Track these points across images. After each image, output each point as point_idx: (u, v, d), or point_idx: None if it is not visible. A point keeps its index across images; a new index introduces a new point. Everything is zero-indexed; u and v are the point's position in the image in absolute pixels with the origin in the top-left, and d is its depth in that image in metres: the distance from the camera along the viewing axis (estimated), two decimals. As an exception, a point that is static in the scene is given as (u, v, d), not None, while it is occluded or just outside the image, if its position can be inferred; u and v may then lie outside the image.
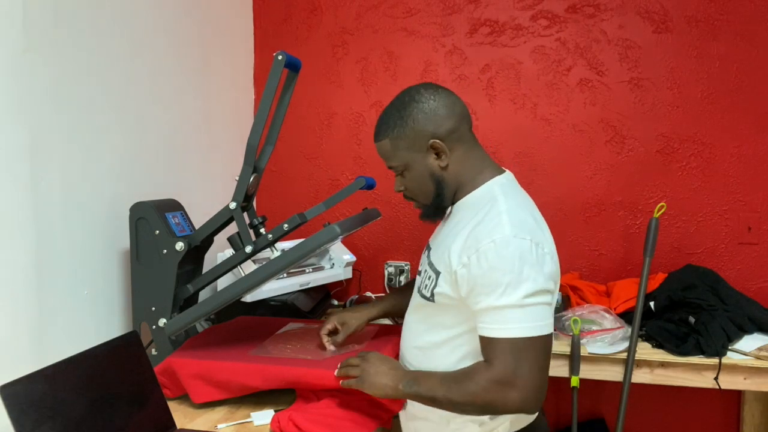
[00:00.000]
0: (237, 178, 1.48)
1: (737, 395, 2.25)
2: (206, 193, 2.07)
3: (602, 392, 2.32)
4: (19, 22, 1.28)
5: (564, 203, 2.29)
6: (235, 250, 1.53)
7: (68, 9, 1.43)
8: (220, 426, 1.33)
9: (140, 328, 1.53)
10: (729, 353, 1.79)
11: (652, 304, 1.96)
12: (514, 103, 2.31)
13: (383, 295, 2.34)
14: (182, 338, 1.58)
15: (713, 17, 2.16)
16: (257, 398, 1.44)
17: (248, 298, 1.89)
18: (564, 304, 2.04)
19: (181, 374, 1.41)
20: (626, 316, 1.96)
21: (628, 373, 1.82)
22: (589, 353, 1.84)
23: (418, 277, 1.39)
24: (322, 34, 2.43)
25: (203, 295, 1.66)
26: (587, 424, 2.32)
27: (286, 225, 1.52)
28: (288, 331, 1.70)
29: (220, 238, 1.64)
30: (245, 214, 1.53)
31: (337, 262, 2.18)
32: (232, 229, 1.52)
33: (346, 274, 2.21)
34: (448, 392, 1.18)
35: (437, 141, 1.25)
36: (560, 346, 1.85)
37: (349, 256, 2.20)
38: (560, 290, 2.08)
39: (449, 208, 1.34)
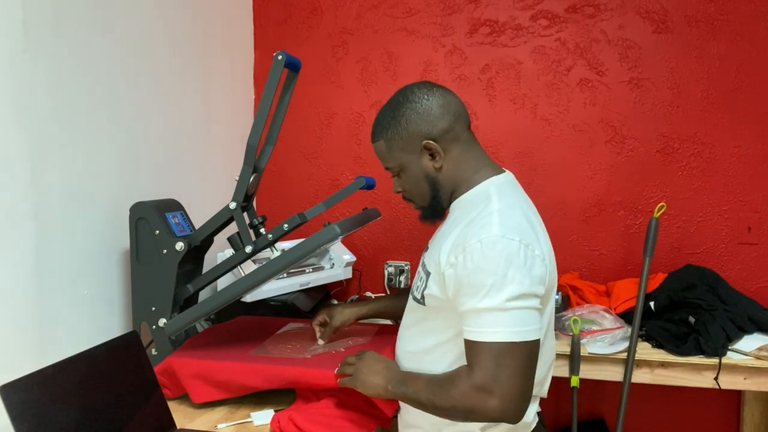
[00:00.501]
0: (237, 178, 1.48)
1: (737, 395, 2.25)
2: (206, 193, 2.07)
3: (602, 392, 2.32)
4: (19, 22, 1.28)
5: (564, 203, 2.29)
6: (235, 250, 1.53)
7: (68, 9, 1.43)
8: (220, 426, 1.33)
9: (140, 328, 1.53)
10: (729, 353, 1.80)
11: (652, 304, 1.96)
12: (514, 103, 2.31)
13: (382, 295, 2.34)
14: (182, 338, 1.58)
15: (713, 17, 2.16)
16: (257, 398, 1.44)
17: (248, 298, 1.89)
18: (564, 304, 2.04)
19: (181, 374, 1.41)
20: (626, 316, 1.96)
21: (628, 373, 1.82)
22: (589, 353, 1.84)
23: (413, 281, 1.38)
24: (322, 34, 2.43)
25: (203, 295, 1.66)
26: (587, 424, 2.32)
27: (286, 225, 1.52)
28: (288, 331, 1.70)
29: (220, 238, 1.64)
30: (245, 214, 1.53)
31: (337, 262, 2.18)
32: (232, 229, 1.52)
33: (346, 274, 2.21)
34: (431, 396, 1.16)
35: (430, 142, 1.22)
36: (560, 346, 1.85)
37: (349, 256, 2.20)
38: (560, 290, 2.08)
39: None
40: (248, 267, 1.54)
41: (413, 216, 2.39)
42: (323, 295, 2.25)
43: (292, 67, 1.49)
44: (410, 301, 1.33)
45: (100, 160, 1.56)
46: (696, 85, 2.19)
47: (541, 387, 1.29)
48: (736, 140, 2.17)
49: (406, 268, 2.39)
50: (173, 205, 1.63)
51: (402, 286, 2.38)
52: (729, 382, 1.79)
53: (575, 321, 1.85)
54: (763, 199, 2.17)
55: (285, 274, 1.98)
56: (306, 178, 2.48)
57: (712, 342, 1.78)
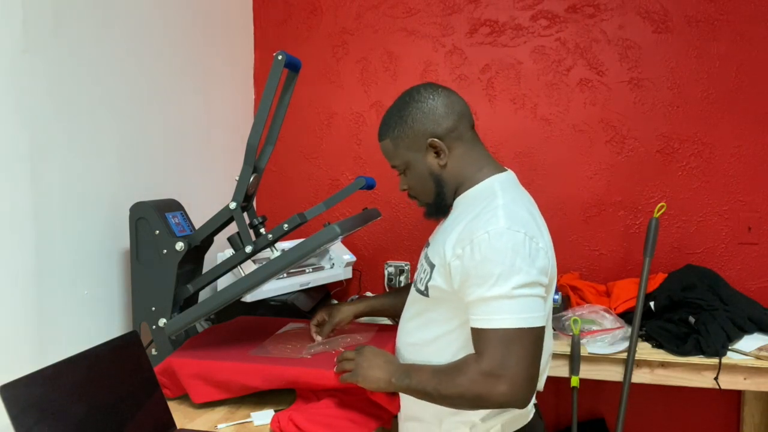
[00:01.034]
0: (237, 178, 1.48)
1: (737, 395, 2.25)
2: (206, 193, 2.07)
3: (602, 392, 2.32)
4: (19, 22, 1.28)
5: (564, 203, 2.29)
6: (235, 250, 1.53)
7: (68, 9, 1.43)
8: (220, 426, 1.33)
9: (140, 328, 1.53)
10: (729, 353, 1.80)
11: (652, 304, 1.96)
12: (514, 103, 2.31)
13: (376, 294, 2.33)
14: (182, 338, 1.58)
15: (713, 17, 2.16)
16: (257, 398, 1.44)
17: (248, 298, 1.89)
18: (564, 304, 2.04)
19: (181, 374, 1.41)
20: (626, 316, 1.96)
21: (628, 373, 1.82)
22: (589, 353, 1.84)
23: (415, 274, 1.40)
24: (322, 34, 2.43)
25: (203, 295, 1.66)
26: (587, 424, 2.32)
27: (286, 225, 1.52)
28: (288, 331, 1.70)
29: (220, 238, 1.64)
30: (245, 214, 1.53)
31: (337, 262, 2.18)
32: (232, 229, 1.52)
33: (346, 274, 2.21)
34: (438, 385, 1.18)
35: (435, 140, 1.26)
36: (560, 346, 1.85)
37: (349, 256, 2.20)
38: (560, 290, 2.09)
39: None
40: (248, 267, 1.54)
41: (413, 216, 2.39)
42: (323, 295, 2.25)
43: (292, 67, 1.49)
44: (412, 294, 1.35)
45: (100, 160, 1.56)
46: (696, 85, 2.19)
47: (539, 380, 1.29)
48: (736, 140, 2.17)
49: (406, 268, 2.39)
50: (173, 205, 1.63)
51: (402, 286, 2.38)
52: (729, 382, 1.79)
53: (575, 321, 1.85)
54: (763, 199, 2.17)
55: (285, 274, 1.98)
56: (306, 178, 2.48)
57: (712, 342, 1.78)
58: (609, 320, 1.91)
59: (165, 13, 1.85)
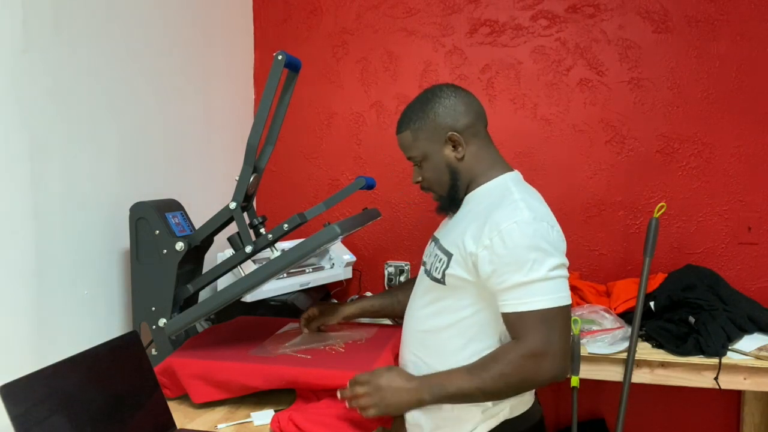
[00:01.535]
0: (237, 178, 1.48)
1: (737, 395, 2.25)
2: (206, 193, 2.07)
3: (602, 392, 2.32)
4: (19, 22, 1.28)
5: (564, 203, 2.29)
6: (235, 250, 1.53)
7: (68, 9, 1.43)
8: (220, 426, 1.33)
9: (140, 328, 1.53)
10: (729, 353, 1.79)
11: (652, 304, 1.96)
12: (514, 103, 2.31)
13: (367, 294, 2.35)
14: (182, 338, 1.58)
15: (713, 17, 2.16)
16: (257, 398, 1.44)
17: (248, 298, 1.89)
18: (564, 304, 2.04)
19: (181, 374, 1.41)
20: (626, 316, 1.96)
21: (628, 373, 1.82)
22: (589, 353, 1.84)
23: (423, 267, 1.45)
24: (322, 34, 2.43)
25: (203, 295, 1.66)
26: (587, 424, 2.32)
27: (286, 225, 1.52)
28: (288, 331, 1.70)
29: (220, 238, 1.64)
30: (245, 214, 1.53)
31: (337, 262, 2.18)
32: (232, 229, 1.52)
33: (346, 274, 2.21)
34: (479, 383, 1.21)
35: (455, 133, 1.34)
36: (560, 346, 1.85)
37: (349, 256, 2.20)
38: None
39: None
40: (248, 267, 1.54)
41: (413, 216, 2.40)
42: (323, 295, 2.25)
43: (292, 67, 1.49)
44: (424, 284, 1.40)
45: (100, 160, 1.56)
46: (696, 85, 2.19)
47: None
48: (736, 140, 2.17)
49: (406, 268, 2.39)
50: (173, 205, 1.63)
51: (395, 285, 2.38)
52: (729, 382, 1.79)
53: (575, 321, 1.85)
54: (763, 199, 2.17)
55: (285, 274, 1.98)
56: (306, 178, 2.48)
57: (712, 342, 1.78)
58: (609, 320, 1.91)
59: (165, 13, 1.85)
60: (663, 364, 1.83)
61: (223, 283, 1.75)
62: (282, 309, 2.01)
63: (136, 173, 1.71)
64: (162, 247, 1.52)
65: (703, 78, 2.18)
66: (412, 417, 1.39)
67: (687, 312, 1.89)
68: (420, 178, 1.42)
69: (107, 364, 1.18)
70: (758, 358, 1.77)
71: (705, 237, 2.21)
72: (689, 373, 1.82)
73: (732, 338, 1.82)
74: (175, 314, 1.52)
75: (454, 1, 2.32)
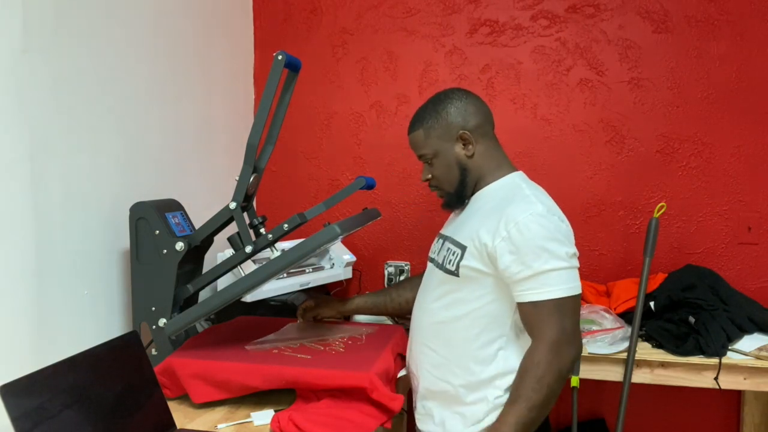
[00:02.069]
0: (237, 178, 1.48)
1: (737, 395, 2.25)
2: (206, 193, 2.07)
3: (602, 392, 2.32)
4: (19, 22, 1.28)
5: (564, 203, 2.25)
6: (235, 250, 1.53)
7: (68, 9, 1.43)
8: (220, 426, 1.33)
9: (140, 328, 1.53)
10: (729, 353, 1.80)
11: (652, 304, 1.96)
12: (514, 103, 2.31)
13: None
14: (182, 338, 1.58)
15: (713, 17, 2.16)
16: (257, 398, 1.44)
17: (248, 298, 1.89)
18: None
19: (181, 374, 1.41)
20: (626, 316, 1.96)
21: (628, 373, 1.82)
22: (589, 353, 1.84)
23: (430, 264, 1.51)
24: (322, 34, 2.43)
25: (203, 295, 1.66)
26: (587, 424, 2.32)
27: (286, 225, 1.53)
28: (288, 328, 1.71)
29: (220, 238, 1.64)
30: (245, 214, 1.53)
31: (337, 262, 2.18)
32: (232, 229, 1.52)
33: (346, 274, 2.21)
34: (526, 402, 1.25)
35: (466, 132, 1.41)
36: (560, 346, 1.85)
37: (349, 256, 2.20)
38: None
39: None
40: (248, 267, 1.54)
41: (413, 216, 2.39)
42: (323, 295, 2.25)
43: (292, 67, 1.49)
44: (436, 277, 1.44)
45: (100, 160, 1.56)
46: (696, 85, 2.19)
47: None
48: (736, 140, 2.17)
49: (406, 268, 2.39)
50: (173, 205, 1.63)
51: (391, 285, 2.38)
52: (729, 382, 1.79)
53: (575, 321, 1.85)
54: (763, 199, 2.17)
55: (285, 274, 1.98)
56: (306, 178, 2.48)
57: (712, 342, 1.78)
58: (609, 320, 1.91)
59: (165, 13, 1.85)
60: (663, 364, 1.83)
61: (223, 283, 1.75)
62: (282, 309, 2.01)
63: (136, 173, 1.71)
64: (162, 247, 1.52)
65: (703, 78, 2.18)
66: (424, 408, 1.44)
67: (687, 312, 1.89)
68: (429, 176, 1.48)
69: (107, 364, 1.18)
70: (758, 358, 1.77)
71: (705, 237, 2.21)
72: (689, 373, 1.82)
73: (732, 338, 1.82)
74: (175, 314, 1.52)
75: (454, 1, 2.32)
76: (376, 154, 2.41)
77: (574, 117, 2.27)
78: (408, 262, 2.40)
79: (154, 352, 1.53)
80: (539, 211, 1.30)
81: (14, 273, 1.29)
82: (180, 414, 1.37)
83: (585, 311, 1.95)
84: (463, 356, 1.36)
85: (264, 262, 1.42)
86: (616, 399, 1.96)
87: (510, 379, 1.33)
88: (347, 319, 1.90)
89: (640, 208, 2.25)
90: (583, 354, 1.84)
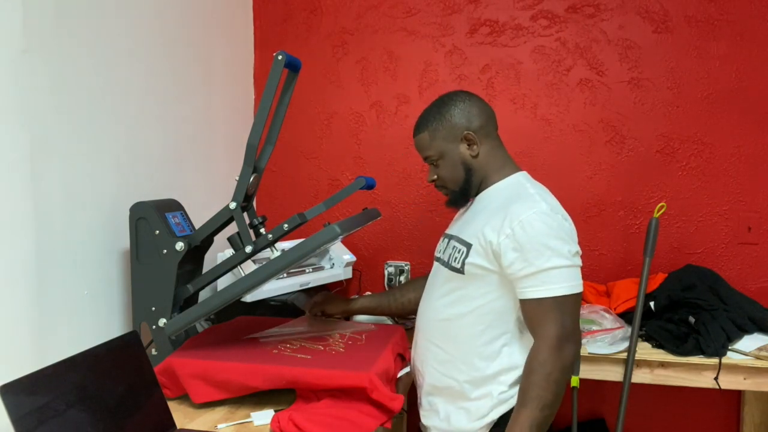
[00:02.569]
0: (237, 178, 1.48)
1: (737, 395, 2.25)
2: (206, 193, 2.07)
3: (602, 392, 2.32)
4: (19, 22, 1.28)
5: (564, 203, 2.25)
6: (235, 250, 1.53)
7: (68, 9, 1.43)
8: (220, 426, 1.33)
9: (140, 328, 1.53)
10: (729, 353, 1.80)
11: (652, 304, 1.96)
12: (514, 103, 2.31)
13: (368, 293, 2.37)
14: (182, 338, 1.58)
15: (713, 17, 2.16)
16: (257, 398, 1.44)
17: (248, 298, 1.89)
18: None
19: (181, 374, 1.41)
20: (626, 316, 1.96)
21: (628, 373, 1.82)
22: (589, 353, 1.84)
23: (436, 263, 1.53)
24: (322, 34, 2.43)
25: (203, 295, 1.66)
26: (587, 424, 2.32)
27: (286, 225, 1.52)
28: (295, 323, 1.75)
29: (220, 238, 1.64)
30: (245, 214, 1.53)
31: (337, 262, 2.18)
32: (232, 229, 1.52)
33: (346, 274, 2.21)
34: (537, 401, 1.27)
35: (470, 132, 1.44)
36: (560, 346, 1.85)
37: (349, 256, 2.20)
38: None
39: (471, 199, 1.50)
40: (248, 267, 1.54)
41: (413, 216, 2.39)
42: (323, 295, 2.24)
43: (292, 67, 1.49)
44: (442, 275, 1.47)
45: (100, 160, 1.56)
46: (696, 85, 2.19)
47: None
48: (736, 140, 2.17)
49: (406, 268, 2.39)
50: (173, 205, 1.63)
51: (395, 286, 2.38)
52: (729, 382, 1.79)
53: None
54: (763, 199, 2.17)
55: (285, 274, 1.98)
56: (306, 178, 2.48)
57: (712, 342, 1.78)
58: (609, 320, 1.91)
59: (165, 13, 1.85)
60: (663, 364, 1.83)
61: (223, 283, 1.75)
62: (282, 309, 2.01)
63: (135, 173, 1.71)
64: (162, 247, 1.52)
65: (703, 78, 2.18)
66: (429, 403, 1.47)
67: (687, 312, 1.89)
68: (435, 177, 1.51)
69: (107, 364, 1.18)
70: (758, 358, 1.77)
71: (705, 237, 2.21)
72: (689, 373, 1.82)
73: (732, 338, 1.82)
74: (175, 314, 1.52)
75: (454, 1, 2.32)
76: (376, 154, 2.41)
77: (574, 117, 2.27)
78: (408, 262, 2.40)
79: (154, 352, 1.53)
80: (543, 210, 1.32)
81: (14, 273, 1.29)
82: (180, 414, 1.37)
83: (585, 311, 1.95)
84: (468, 353, 1.39)
85: (264, 262, 1.42)
86: (616, 399, 1.96)
87: (514, 375, 1.35)
88: (347, 319, 1.91)
89: (640, 208, 2.25)
90: (583, 354, 1.84)
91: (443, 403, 1.44)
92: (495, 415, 1.37)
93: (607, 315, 1.93)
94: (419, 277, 1.73)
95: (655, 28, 2.20)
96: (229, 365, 1.40)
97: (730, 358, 1.78)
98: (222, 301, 1.44)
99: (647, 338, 1.91)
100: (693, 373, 1.81)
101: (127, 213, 1.56)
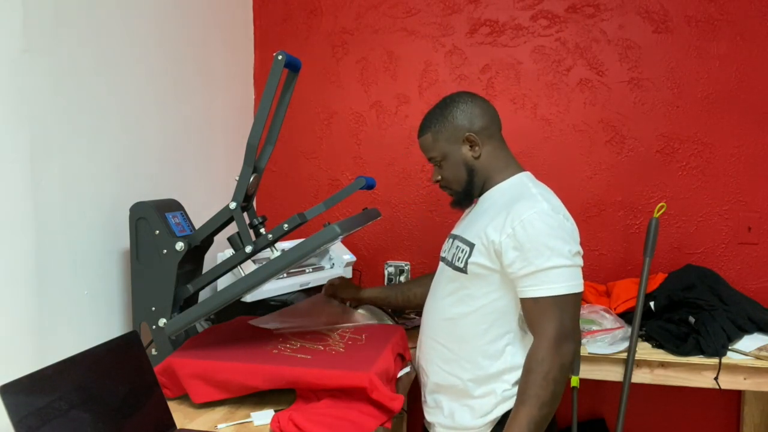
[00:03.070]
0: (237, 178, 1.48)
1: (737, 395, 2.25)
2: (206, 193, 2.07)
3: (602, 392, 2.32)
4: (19, 22, 1.28)
5: (564, 203, 2.26)
6: (235, 250, 1.53)
7: (68, 9, 1.43)
8: (220, 426, 1.33)
9: (140, 328, 1.53)
10: (729, 353, 1.79)
11: (652, 304, 1.96)
12: (514, 103, 2.31)
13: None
14: (182, 338, 1.58)
15: (713, 17, 2.16)
16: (257, 398, 1.44)
17: (248, 298, 1.89)
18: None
19: (181, 374, 1.41)
20: (626, 316, 1.96)
21: (628, 373, 1.82)
22: (589, 353, 1.84)
23: (441, 263, 1.54)
24: (322, 34, 2.43)
25: (203, 295, 1.66)
26: (587, 424, 2.32)
27: (286, 225, 1.52)
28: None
29: (220, 238, 1.64)
30: (245, 214, 1.53)
31: (337, 262, 2.18)
32: (232, 229, 1.52)
33: (346, 274, 2.21)
34: (535, 400, 1.27)
35: (472, 134, 1.45)
36: (560, 346, 1.85)
37: (349, 256, 2.20)
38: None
39: (476, 199, 1.52)
40: (248, 267, 1.54)
41: (413, 216, 2.39)
42: (323, 295, 2.24)
43: (292, 67, 1.49)
44: (446, 275, 1.48)
45: (100, 160, 1.56)
46: (696, 85, 2.19)
47: None
48: (736, 140, 2.17)
49: (406, 268, 2.39)
50: (173, 205, 1.63)
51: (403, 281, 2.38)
52: (729, 382, 1.79)
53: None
54: (763, 199, 2.17)
55: (285, 274, 1.98)
56: (306, 178, 2.48)
57: (712, 342, 1.78)
58: (609, 320, 1.91)
59: (165, 13, 1.85)
60: (663, 364, 1.83)
61: (223, 283, 1.75)
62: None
63: (136, 173, 1.71)
64: (162, 247, 1.52)
65: (703, 78, 2.18)
66: (434, 401, 1.48)
67: (687, 312, 1.89)
68: (439, 177, 1.52)
69: (107, 364, 1.18)
70: (758, 358, 1.77)
71: (705, 237, 2.21)
72: (689, 373, 1.82)
73: (732, 338, 1.82)
74: (175, 314, 1.52)
75: (454, 1, 2.32)
76: (376, 154, 2.41)
77: (574, 117, 2.27)
78: (408, 262, 2.40)
79: (154, 352, 1.53)
80: (544, 209, 1.34)
81: (14, 273, 1.29)
82: (180, 414, 1.37)
83: (585, 311, 1.95)
84: (472, 351, 1.40)
85: (264, 262, 1.42)
86: (616, 399, 1.96)
87: (518, 374, 1.36)
88: (356, 307, 1.92)
89: (640, 208, 2.25)
90: (583, 354, 1.84)
91: (447, 400, 1.45)
92: (499, 412, 1.39)
93: (607, 315, 1.93)
94: (427, 274, 1.75)
95: (655, 28, 2.20)
96: (229, 365, 1.40)
97: (730, 358, 1.78)
98: (222, 301, 1.44)
99: (647, 338, 1.91)
100: (693, 373, 1.81)
101: (127, 213, 1.56)
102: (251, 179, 1.48)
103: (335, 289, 1.88)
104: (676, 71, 2.20)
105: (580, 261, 1.35)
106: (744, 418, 2.22)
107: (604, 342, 1.86)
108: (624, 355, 1.83)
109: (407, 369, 1.58)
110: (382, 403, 1.34)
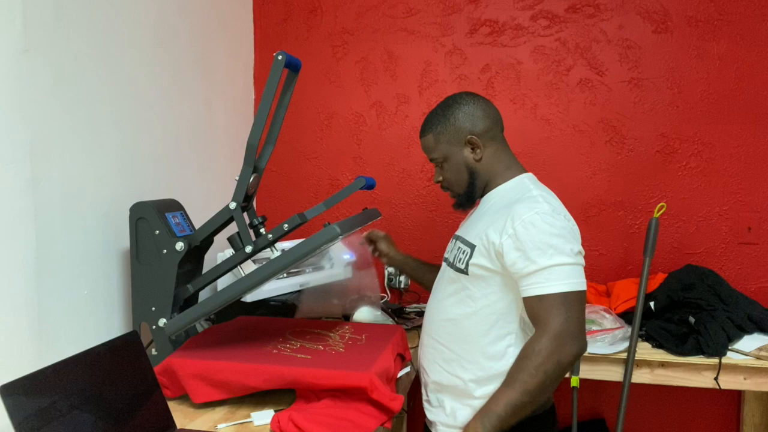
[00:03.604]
0: (237, 178, 1.48)
1: (737, 395, 2.25)
2: (206, 193, 2.07)
3: (602, 392, 2.32)
4: (19, 22, 1.28)
5: (564, 203, 2.26)
6: (235, 250, 1.53)
7: (68, 9, 1.43)
8: (220, 426, 1.33)
9: (140, 328, 1.53)
10: (729, 353, 1.80)
11: (652, 304, 1.96)
12: (514, 103, 2.31)
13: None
14: (182, 338, 1.58)
15: (713, 17, 2.16)
16: (257, 398, 1.44)
17: (248, 298, 1.89)
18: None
19: (181, 374, 1.41)
20: (626, 316, 1.96)
21: (628, 373, 1.82)
22: (589, 353, 1.84)
23: (444, 263, 1.54)
24: (322, 34, 2.43)
25: (203, 295, 1.66)
26: (587, 424, 2.32)
27: (286, 225, 1.52)
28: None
29: (220, 238, 1.64)
30: (245, 214, 1.53)
31: (337, 262, 2.18)
32: (232, 229, 1.52)
33: (346, 273, 2.20)
34: (521, 386, 1.27)
35: (473, 136, 1.44)
36: (560, 346, 1.85)
37: (349, 256, 2.20)
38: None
39: (478, 200, 1.51)
40: (248, 267, 1.54)
41: (413, 216, 2.39)
42: (324, 295, 2.24)
43: (292, 67, 1.49)
44: (448, 274, 1.48)
45: (100, 160, 1.56)
46: (696, 85, 2.19)
47: None
48: (736, 140, 2.17)
49: (406, 268, 2.38)
50: (173, 205, 1.63)
51: (402, 286, 2.38)
52: (729, 382, 1.79)
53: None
54: (763, 199, 2.17)
55: (285, 274, 1.98)
56: (306, 178, 2.48)
57: (712, 342, 1.78)
58: (609, 320, 1.91)
59: (165, 14, 1.85)
60: (663, 364, 1.83)
61: (223, 283, 1.75)
62: (282, 309, 2.01)
63: (135, 173, 1.71)
64: (162, 247, 1.52)
65: (703, 78, 2.18)
66: (436, 399, 1.48)
67: (687, 312, 1.89)
68: (441, 178, 1.52)
69: (107, 364, 1.18)
70: (758, 358, 1.77)
71: (705, 237, 2.21)
72: (689, 373, 1.82)
73: (732, 338, 1.82)
74: (175, 314, 1.52)
75: (454, 1, 2.32)
76: (376, 154, 2.41)
77: (574, 117, 2.27)
78: (408, 262, 2.39)
79: (154, 352, 1.53)
80: (545, 210, 1.34)
81: (14, 273, 1.29)
82: (180, 414, 1.37)
83: (585, 311, 1.95)
84: (474, 352, 1.40)
85: (264, 262, 1.42)
86: (616, 399, 1.96)
87: None
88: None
89: (640, 208, 2.25)
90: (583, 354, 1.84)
91: (449, 399, 1.45)
92: None
93: (607, 315, 1.93)
94: None
95: (655, 28, 2.20)
96: (229, 365, 1.40)
97: (730, 358, 1.78)
98: (222, 301, 1.44)
99: (647, 338, 1.91)
100: (693, 373, 1.81)
101: (127, 213, 1.56)
102: (251, 179, 1.48)
103: (377, 241, 1.86)
104: (676, 71, 2.20)
105: (582, 261, 1.34)
106: (744, 418, 2.22)
107: (604, 342, 1.86)
108: (624, 355, 1.83)
109: (407, 369, 1.58)
110: (382, 403, 1.34)
